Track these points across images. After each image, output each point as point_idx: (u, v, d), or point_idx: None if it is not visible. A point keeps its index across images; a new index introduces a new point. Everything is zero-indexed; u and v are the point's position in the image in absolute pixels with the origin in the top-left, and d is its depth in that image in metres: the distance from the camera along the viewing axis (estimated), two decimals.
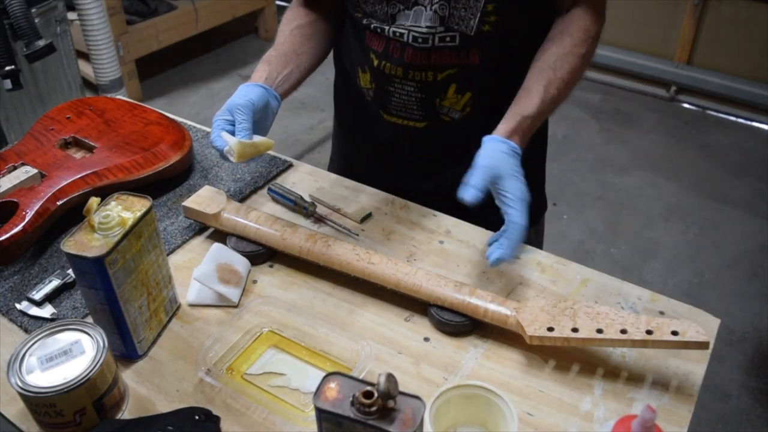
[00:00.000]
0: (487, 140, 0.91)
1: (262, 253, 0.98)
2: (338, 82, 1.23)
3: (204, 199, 1.02)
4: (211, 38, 3.80)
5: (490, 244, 0.89)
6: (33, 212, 0.97)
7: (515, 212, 0.86)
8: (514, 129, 0.92)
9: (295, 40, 1.08)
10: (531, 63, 0.99)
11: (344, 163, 1.26)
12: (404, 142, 1.13)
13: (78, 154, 1.11)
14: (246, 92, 0.97)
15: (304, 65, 1.08)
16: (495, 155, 0.88)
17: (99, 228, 0.77)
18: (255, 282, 0.96)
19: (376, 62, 1.06)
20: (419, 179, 1.16)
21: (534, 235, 1.22)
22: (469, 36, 1.00)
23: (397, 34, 1.02)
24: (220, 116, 0.96)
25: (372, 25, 1.04)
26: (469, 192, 0.85)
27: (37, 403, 0.71)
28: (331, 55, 1.20)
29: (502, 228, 0.89)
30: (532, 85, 0.95)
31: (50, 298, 0.92)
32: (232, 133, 0.94)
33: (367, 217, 1.06)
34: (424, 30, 1.00)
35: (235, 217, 0.99)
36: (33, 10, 1.98)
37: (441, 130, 1.08)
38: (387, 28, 1.02)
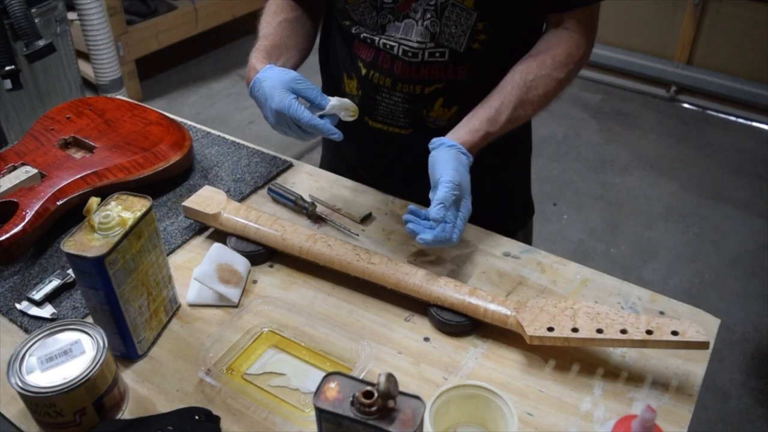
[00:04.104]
0: (449, 146, 0.93)
1: (262, 253, 0.98)
2: (324, 87, 1.22)
3: (204, 199, 1.02)
4: (211, 38, 3.80)
5: (411, 218, 0.94)
6: (33, 212, 0.97)
7: (458, 231, 0.91)
8: (476, 144, 0.94)
9: (283, 33, 1.07)
10: (509, 73, 0.99)
11: (332, 167, 1.26)
12: (390, 147, 1.13)
13: (78, 154, 1.11)
14: (281, 70, 0.95)
15: (293, 60, 1.07)
16: (460, 170, 0.91)
17: (99, 228, 0.77)
18: (255, 282, 0.96)
19: (364, 71, 1.06)
20: (406, 183, 1.16)
21: (522, 239, 1.22)
22: (459, 52, 1.00)
23: (388, 45, 1.02)
24: (284, 96, 0.92)
25: (361, 35, 1.04)
26: (439, 211, 0.86)
27: (37, 403, 0.71)
28: (316, 59, 1.20)
29: (430, 216, 0.90)
30: (504, 101, 0.97)
31: (50, 298, 0.92)
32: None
33: (367, 217, 1.06)
34: (415, 45, 1.00)
35: (235, 217, 0.99)
36: (33, 10, 1.98)
37: (427, 137, 1.08)
38: (377, 38, 1.03)
